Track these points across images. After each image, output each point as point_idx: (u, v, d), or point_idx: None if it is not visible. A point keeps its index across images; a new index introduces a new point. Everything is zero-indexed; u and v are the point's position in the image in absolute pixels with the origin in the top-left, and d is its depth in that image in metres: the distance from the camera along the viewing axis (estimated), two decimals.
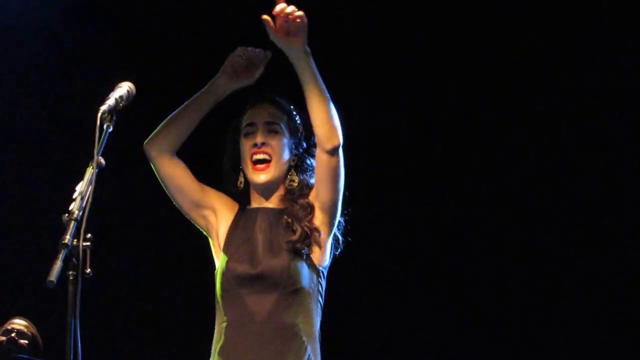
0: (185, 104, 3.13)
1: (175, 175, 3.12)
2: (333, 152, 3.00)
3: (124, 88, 2.65)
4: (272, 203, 3.14)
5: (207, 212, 3.15)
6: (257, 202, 3.16)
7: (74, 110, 5.17)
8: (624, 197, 5.13)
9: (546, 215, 5.22)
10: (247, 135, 3.15)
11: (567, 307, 5.16)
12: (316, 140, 3.05)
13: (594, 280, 5.12)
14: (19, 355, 4.45)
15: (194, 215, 3.16)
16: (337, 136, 3.00)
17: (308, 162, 3.17)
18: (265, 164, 3.11)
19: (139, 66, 5.10)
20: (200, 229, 3.19)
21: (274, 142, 3.12)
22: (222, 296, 3.02)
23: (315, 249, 3.05)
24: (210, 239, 3.17)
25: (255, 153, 3.11)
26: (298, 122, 3.20)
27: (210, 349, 3.03)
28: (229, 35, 5.11)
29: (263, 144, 3.11)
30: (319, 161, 3.04)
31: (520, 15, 5.15)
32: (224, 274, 3.02)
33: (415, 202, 5.34)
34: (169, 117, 3.13)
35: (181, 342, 5.27)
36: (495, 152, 5.24)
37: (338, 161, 3.02)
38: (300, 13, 2.91)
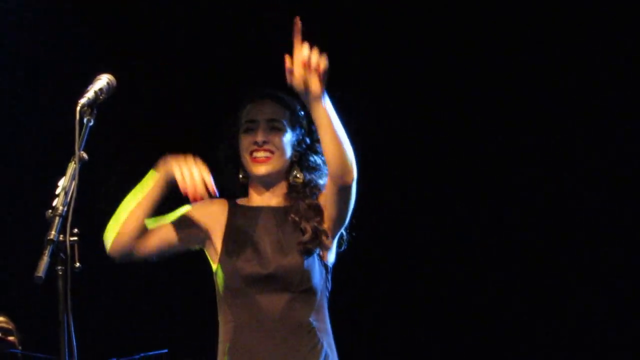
0: (135, 202, 2.92)
1: (157, 247, 3.01)
2: (345, 188, 2.91)
3: (104, 80, 2.58)
4: (275, 201, 3.08)
5: (198, 237, 3.05)
6: (258, 199, 3.09)
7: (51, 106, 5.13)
8: (633, 198, 5.09)
9: (554, 217, 5.19)
10: (247, 131, 3.07)
11: (573, 308, 5.15)
12: (329, 173, 2.94)
13: (601, 282, 5.10)
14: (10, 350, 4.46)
15: (188, 248, 3.08)
16: (350, 174, 2.88)
17: (312, 159, 3.10)
18: (265, 157, 3.03)
19: (121, 58, 5.05)
20: (195, 249, 3.10)
21: (276, 139, 3.05)
22: (228, 296, 2.97)
23: (324, 248, 3.01)
24: (204, 249, 3.08)
25: (256, 151, 3.04)
26: (301, 117, 3.12)
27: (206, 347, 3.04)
28: (212, 29, 5.14)
29: (264, 142, 3.04)
30: (330, 189, 2.96)
31: (528, 16, 5.11)
32: (229, 274, 2.96)
33: (421, 204, 5.31)
34: (122, 214, 2.94)
35: (180, 340, 5.24)
36: (502, 154, 5.21)
37: (350, 193, 2.93)
38: (323, 62, 2.72)
